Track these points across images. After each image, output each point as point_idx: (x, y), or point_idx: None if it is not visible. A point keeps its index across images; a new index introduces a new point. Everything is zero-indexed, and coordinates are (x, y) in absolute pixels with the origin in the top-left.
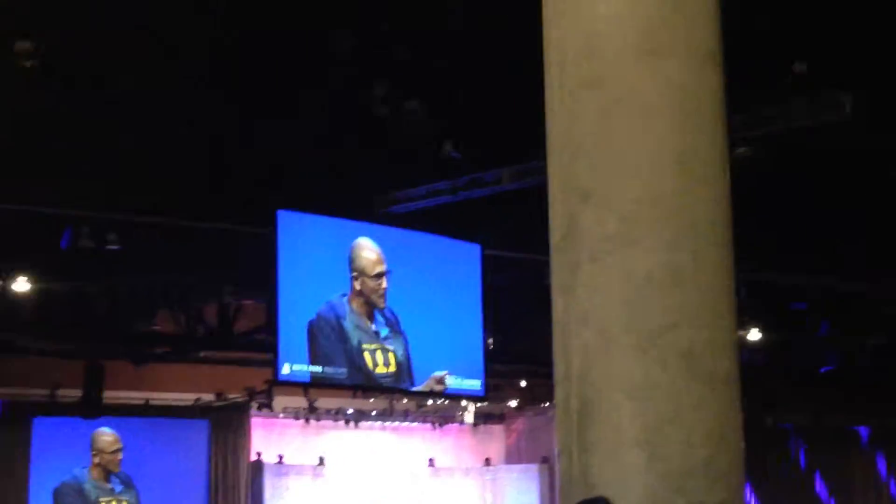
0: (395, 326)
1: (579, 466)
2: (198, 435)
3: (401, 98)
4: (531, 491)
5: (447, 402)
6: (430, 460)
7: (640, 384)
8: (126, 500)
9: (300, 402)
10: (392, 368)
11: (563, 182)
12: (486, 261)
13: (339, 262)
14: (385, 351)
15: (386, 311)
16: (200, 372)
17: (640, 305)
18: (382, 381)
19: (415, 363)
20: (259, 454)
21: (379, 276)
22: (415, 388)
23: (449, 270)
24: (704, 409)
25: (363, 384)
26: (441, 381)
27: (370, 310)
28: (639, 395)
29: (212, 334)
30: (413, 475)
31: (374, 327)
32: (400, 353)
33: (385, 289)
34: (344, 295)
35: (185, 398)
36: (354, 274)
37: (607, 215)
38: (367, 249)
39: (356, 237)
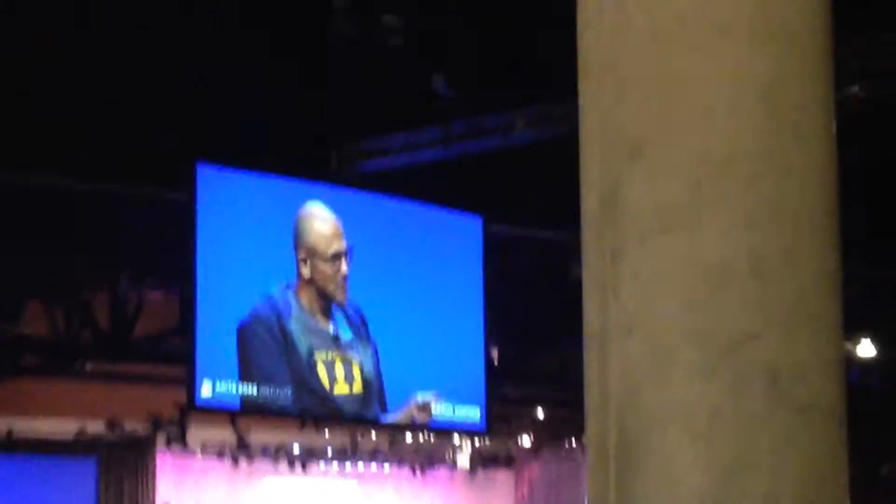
0: (360, 330)
1: None
2: (81, 479)
3: (373, 12)
4: None
5: (433, 438)
6: None
7: (705, 416)
8: None
9: (226, 436)
10: (357, 389)
11: (601, 132)
12: (489, 240)
13: (281, 238)
14: (347, 363)
15: (348, 308)
16: (86, 392)
17: (708, 307)
18: (343, 406)
19: (388, 382)
20: None
21: (336, 256)
22: (389, 418)
23: (437, 253)
24: (794, 450)
25: (315, 411)
26: (425, 408)
27: (325, 305)
28: (703, 432)
29: (102, 340)
30: None
31: (331, 329)
32: (368, 366)
33: (345, 275)
34: (289, 286)
35: (65, 429)
36: (302, 255)
37: (665, 180)
38: (320, 220)
39: (304, 203)
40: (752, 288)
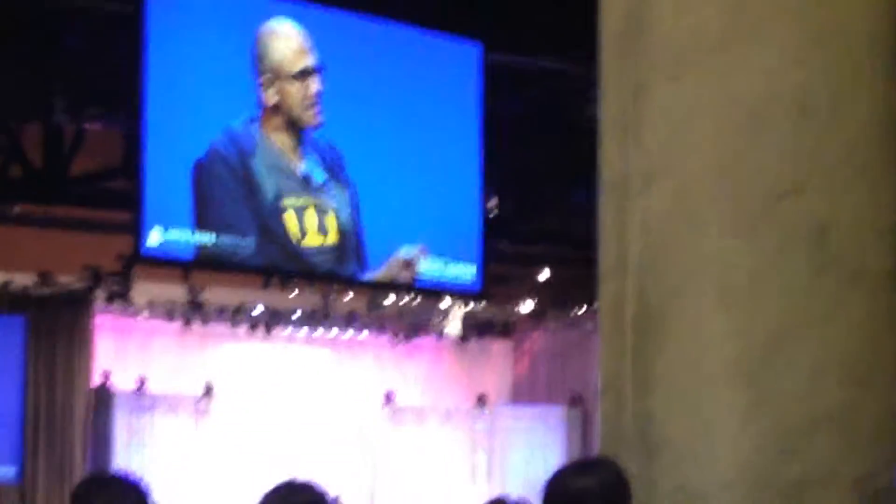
0: (336, 171)
1: (634, 415)
2: (6, 340)
3: None
4: (550, 449)
5: (418, 299)
6: (388, 395)
7: (741, 280)
8: None
9: (176, 293)
10: (331, 240)
11: None
12: (489, 72)
13: (244, 62)
14: (320, 210)
15: (321, 143)
16: (14, 239)
17: (747, 154)
18: (314, 261)
19: (368, 233)
20: (107, 375)
21: (304, 73)
22: (367, 276)
23: (428, 86)
24: (843, 323)
25: (282, 266)
26: (410, 264)
27: (296, 139)
28: (739, 298)
29: (34, 178)
30: (359, 420)
31: (302, 168)
32: (344, 214)
33: (316, 95)
34: (253, 119)
35: None
36: (266, 78)
37: (703, 1)
38: (284, 37)
39: (265, 19)
40: (797, 132)
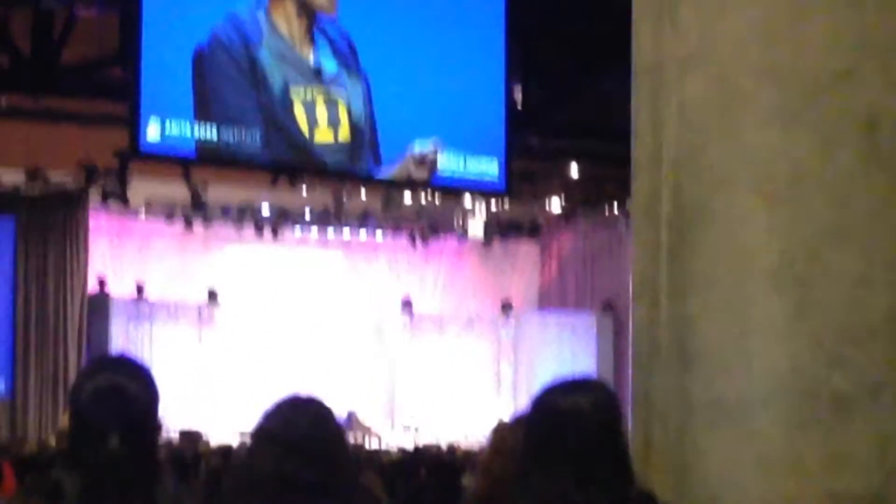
0: (348, 60)
1: (670, 322)
2: None
3: None
4: (580, 359)
5: (439, 199)
6: (406, 302)
7: (784, 174)
8: None
9: (177, 192)
10: (343, 136)
11: None
12: None
13: None
14: (331, 103)
15: (334, 33)
16: (2, 134)
17: (790, 37)
18: (325, 157)
19: (383, 127)
20: (102, 280)
21: None
22: (382, 173)
23: None
24: (892, 220)
25: (290, 162)
26: (426, 159)
27: (307, 27)
28: (782, 194)
29: (23, 67)
30: (375, 328)
31: (312, 59)
32: (357, 107)
33: None
34: (259, 4)
35: None
36: None
37: None
38: None
39: None
40: (846, 12)
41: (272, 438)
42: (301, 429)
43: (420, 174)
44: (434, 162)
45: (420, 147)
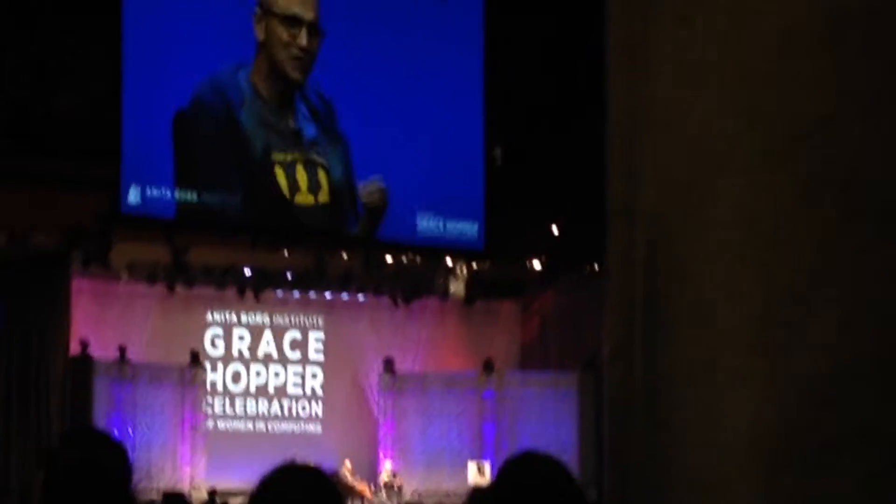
0: (327, 123)
1: (644, 383)
2: None
3: None
4: (565, 416)
5: (419, 260)
6: (388, 362)
7: (762, 226)
8: None
9: (158, 254)
10: (323, 198)
11: None
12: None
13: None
14: (311, 165)
15: (311, 95)
16: None
17: (768, 89)
18: (306, 218)
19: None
20: (85, 344)
21: (295, 21)
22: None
23: (423, 23)
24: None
25: (272, 225)
26: (373, 191)
27: (285, 91)
28: (760, 246)
29: (4, 126)
30: (358, 388)
31: (292, 123)
32: (337, 171)
33: (304, 50)
34: (241, 65)
35: None
36: (258, 12)
37: None
38: None
39: None
40: (827, 56)
41: None
42: (298, 500)
43: (371, 202)
44: (381, 192)
45: (364, 184)
